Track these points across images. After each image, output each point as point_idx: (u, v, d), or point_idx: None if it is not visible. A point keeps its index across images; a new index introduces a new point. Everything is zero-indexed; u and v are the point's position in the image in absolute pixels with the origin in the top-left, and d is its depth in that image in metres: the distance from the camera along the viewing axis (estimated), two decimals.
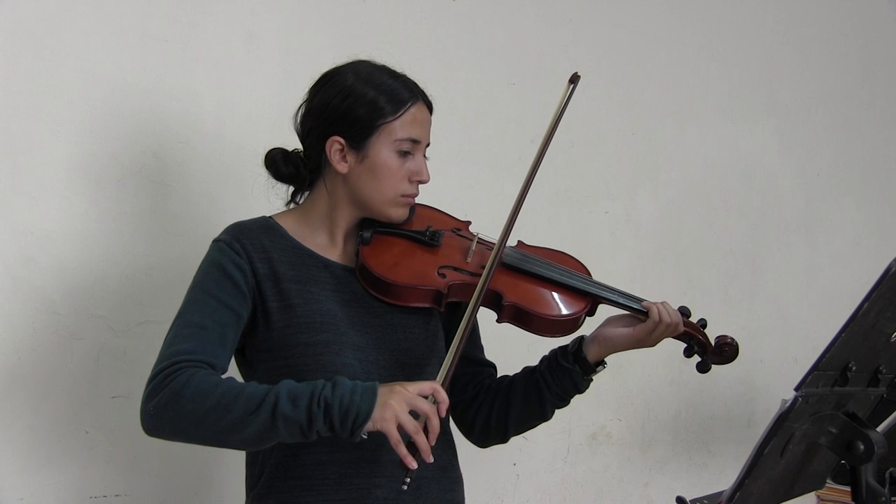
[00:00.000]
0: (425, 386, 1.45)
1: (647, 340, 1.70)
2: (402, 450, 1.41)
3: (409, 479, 1.43)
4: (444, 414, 1.45)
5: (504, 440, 1.81)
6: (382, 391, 1.43)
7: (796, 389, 1.25)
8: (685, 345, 1.75)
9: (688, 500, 1.44)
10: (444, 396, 1.46)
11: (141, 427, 1.49)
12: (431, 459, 1.43)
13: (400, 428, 1.42)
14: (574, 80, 1.73)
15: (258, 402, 1.42)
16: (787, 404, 1.23)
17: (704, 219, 3.11)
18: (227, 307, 1.56)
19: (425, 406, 1.43)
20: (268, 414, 1.42)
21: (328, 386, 1.44)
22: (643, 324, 1.69)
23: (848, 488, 1.38)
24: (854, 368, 1.32)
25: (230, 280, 1.58)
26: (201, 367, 1.48)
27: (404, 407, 1.42)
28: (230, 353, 1.57)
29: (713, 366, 1.76)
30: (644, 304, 1.70)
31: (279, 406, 1.42)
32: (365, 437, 1.43)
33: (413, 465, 1.41)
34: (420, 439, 1.42)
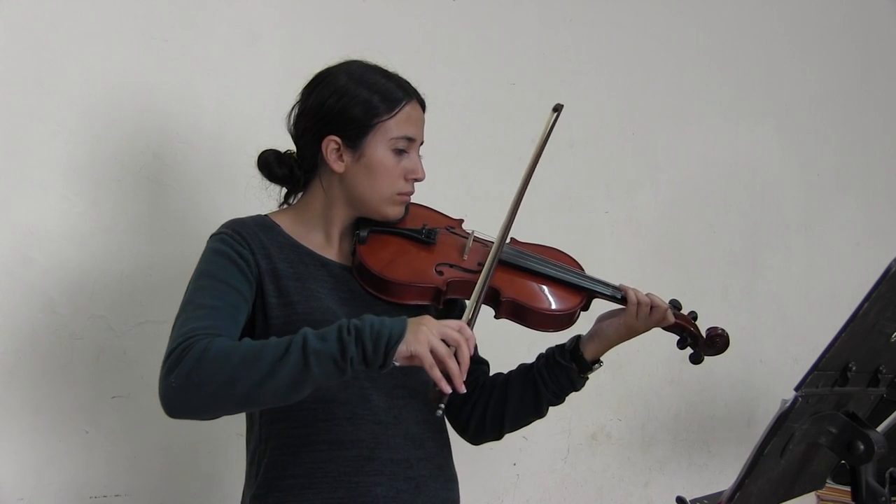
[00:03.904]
0: (453, 322, 1.45)
1: (637, 326, 1.72)
2: (437, 373, 1.40)
3: (443, 406, 1.41)
4: (472, 350, 1.44)
5: (499, 437, 1.81)
6: (413, 319, 1.43)
7: (796, 389, 1.25)
8: (678, 337, 1.80)
9: (688, 500, 1.44)
10: (471, 333, 1.45)
11: (163, 410, 1.43)
12: (464, 389, 1.42)
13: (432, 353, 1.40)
14: (557, 108, 1.77)
15: (285, 347, 1.40)
16: (787, 404, 1.23)
17: (704, 219, 3.11)
18: (236, 290, 1.55)
19: (456, 335, 1.43)
20: (298, 354, 1.39)
21: (354, 319, 1.43)
22: (626, 309, 1.72)
23: (848, 488, 1.38)
24: (854, 368, 1.32)
25: (235, 266, 1.57)
26: (217, 337, 1.45)
27: (436, 333, 1.41)
28: (240, 334, 1.54)
29: (706, 357, 1.80)
30: (620, 286, 1.74)
31: (308, 344, 1.39)
32: (397, 363, 1.41)
33: (448, 389, 1.40)
34: (452, 364, 1.40)
